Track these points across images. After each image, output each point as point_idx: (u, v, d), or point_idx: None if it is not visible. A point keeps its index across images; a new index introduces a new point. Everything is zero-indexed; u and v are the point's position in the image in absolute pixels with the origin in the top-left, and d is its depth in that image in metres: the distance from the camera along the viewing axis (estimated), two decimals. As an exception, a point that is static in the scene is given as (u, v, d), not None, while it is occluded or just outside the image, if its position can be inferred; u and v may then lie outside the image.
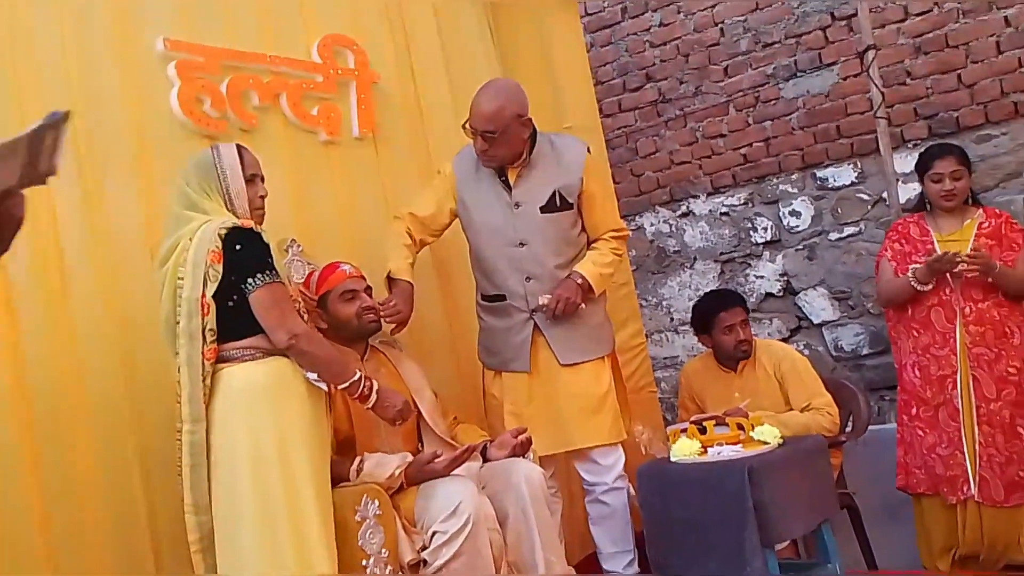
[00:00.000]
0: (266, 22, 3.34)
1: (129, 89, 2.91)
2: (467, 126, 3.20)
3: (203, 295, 2.45)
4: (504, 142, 3.17)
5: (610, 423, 3.22)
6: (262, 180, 2.71)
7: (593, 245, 3.33)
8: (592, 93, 4.41)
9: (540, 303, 3.18)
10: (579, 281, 3.21)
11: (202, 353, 2.45)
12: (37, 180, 1.35)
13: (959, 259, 3.32)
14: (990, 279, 3.35)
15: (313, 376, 2.53)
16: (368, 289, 3.05)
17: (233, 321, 2.48)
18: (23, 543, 2.43)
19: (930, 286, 3.43)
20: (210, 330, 2.46)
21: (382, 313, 3.07)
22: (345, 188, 3.47)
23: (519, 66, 4.12)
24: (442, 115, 3.82)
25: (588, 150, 3.38)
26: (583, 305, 3.20)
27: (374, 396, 2.63)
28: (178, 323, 2.47)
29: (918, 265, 3.44)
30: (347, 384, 2.59)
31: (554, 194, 3.23)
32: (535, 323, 3.23)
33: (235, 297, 2.47)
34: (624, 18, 5.52)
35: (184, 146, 3.00)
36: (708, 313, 3.81)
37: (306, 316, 2.70)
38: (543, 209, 3.23)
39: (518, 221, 3.24)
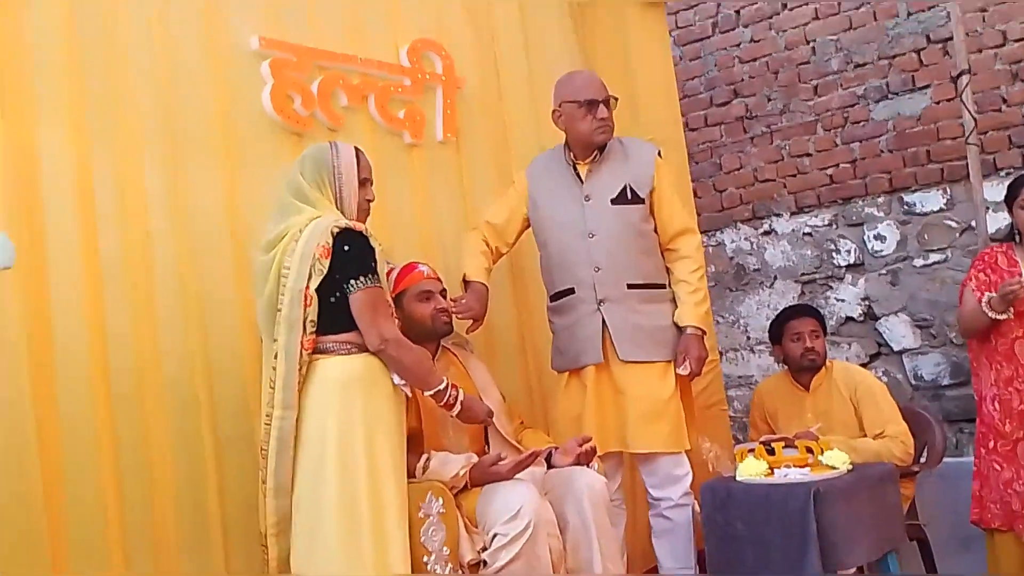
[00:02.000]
0: (357, 24, 3.42)
1: (221, 83, 3.01)
2: (578, 102, 3.28)
3: (307, 287, 2.52)
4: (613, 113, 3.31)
5: (670, 430, 3.21)
6: (371, 184, 2.78)
7: (676, 275, 3.34)
8: (676, 105, 4.40)
9: (681, 372, 3.24)
10: (698, 334, 3.29)
11: (300, 343, 2.52)
12: None
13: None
14: None
15: (399, 380, 2.58)
16: (443, 291, 3.10)
17: (333, 315, 2.55)
18: (97, 517, 2.52)
19: (1004, 316, 3.33)
20: (311, 321, 2.53)
21: (455, 310, 3.13)
22: (426, 190, 3.54)
23: (604, 75, 4.11)
24: (524, 121, 3.87)
25: (659, 153, 3.42)
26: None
27: (459, 406, 2.70)
28: (279, 311, 2.54)
29: (992, 294, 3.35)
30: (434, 391, 2.66)
31: (624, 187, 3.30)
32: (603, 317, 3.24)
33: (337, 294, 2.55)
34: (714, 32, 5.49)
35: (272, 141, 3.10)
36: (780, 322, 3.82)
37: (398, 321, 2.76)
38: (613, 201, 3.29)
39: (588, 213, 3.29)
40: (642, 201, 3.32)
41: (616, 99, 3.36)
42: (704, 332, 3.32)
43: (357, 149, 2.76)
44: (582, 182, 3.35)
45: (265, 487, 2.54)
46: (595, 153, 3.35)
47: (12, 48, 2.57)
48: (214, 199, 2.94)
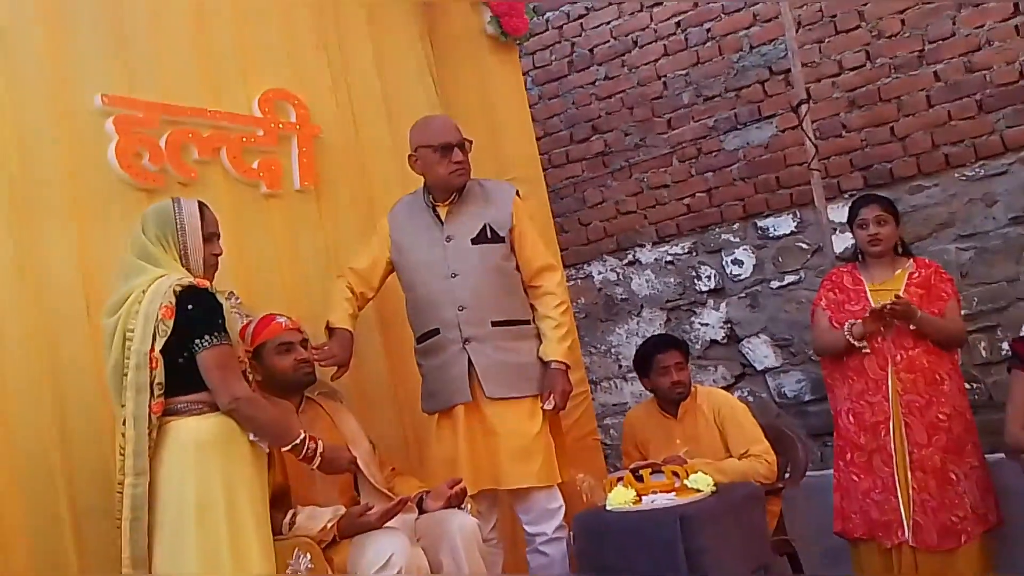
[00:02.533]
0: (207, 76, 3.39)
1: (66, 142, 2.95)
2: (432, 146, 3.33)
3: (152, 349, 2.46)
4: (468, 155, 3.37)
5: (540, 465, 3.24)
6: (218, 238, 2.74)
7: (540, 311, 3.40)
8: (534, 145, 4.49)
9: (546, 407, 3.28)
10: (562, 369, 3.34)
11: (149, 406, 2.46)
12: None
13: (885, 305, 3.40)
14: (912, 326, 3.43)
15: (255, 436, 2.54)
16: (304, 341, 3.07)
17: (182, 376, 2.50)
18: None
19: (862, 344, 3.50)
20: (158, 384, 2.47)
21: (317, 358, 3.11)
22: (286, 240, 3.51)
23: (462, 118, 4.18)
24: (384, 166, 3.87)
25: (518, 192, 3.50)
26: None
27: (319, 459, 2.67)
28: (126, 374, 2.48)
29: (855, 321, 3.51)
30: (290, 446, 2.62)
31: (484, 227, 3.35)
32: (469, 356, 3.27)
33: (185, 354, 2.50)
34: (571, 71, 5.63)
35: (121, 199, 3.04)
36: (646, 356, 3.88)
37: (250, 375, 2.72)
38: (474, 241, 3.34)
39: (450, 253, 3.34)
40: (502, 240, 3.37)
41: (471, 141, 3.41)
42: (568, 366, 3.37)
43: (201, 203, 2.72)
44: (443, 223, 3.38)
45: (123, 558, 2.46)
46: (454, 195, 3.40)
47: None
48: (65, 262, 2.87)
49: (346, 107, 3.86)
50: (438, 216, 3.40)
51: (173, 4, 3.35)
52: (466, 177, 3.39)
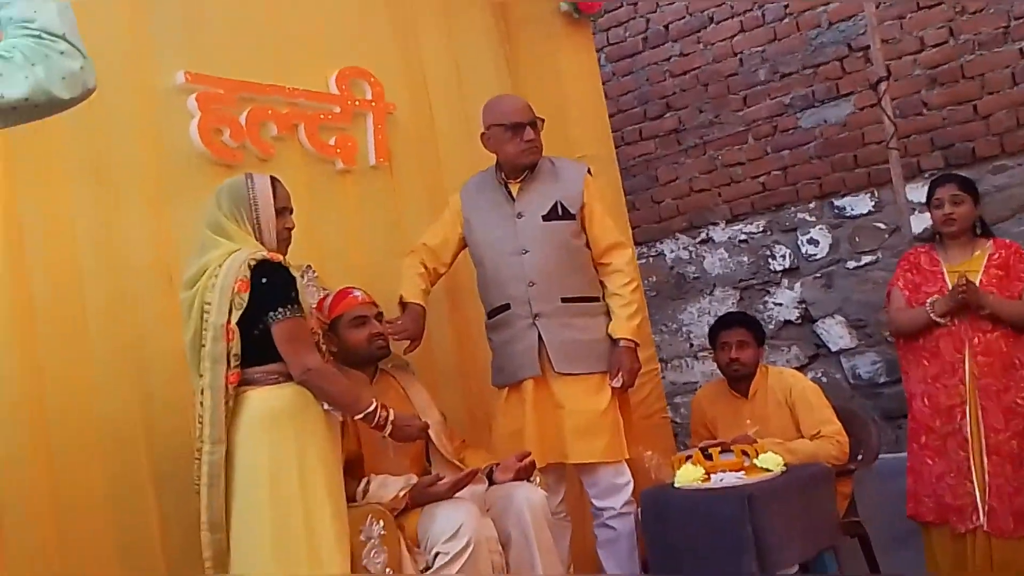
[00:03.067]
0: (285, 55, 3.44)
1: (149, 119, 3.03)
2: (504, 125, 3.36)
3: (228, 321, 2.53)
4: (540, 134, 3.38)
5: (607, 441, 3.26)
6: (291, 213, 2.80)
7: (609, 288, 3.41)
8: (606, 122, 4.47)
9: (614, 385, 3.30)
10: (631, 347, 3.35)
11: (225, 377, 2.53)
12: None
13: (957, 286, 3.35)
14: (983, 312, 3.37)
15: (328, 406, 2.61)
16: (379, 315, 3.12)
17: (257, 347, 2.57)
18: (39, 561, 2.52)
19: (944, 320, 3.44)
20: (234, 355, 2.54)
21: (390, 332, 3.16)
22: (360, 216, 3.56)
23: (535, 96, 4.18)
24: (456, 143, 3.90)
25: (589, 171, 3.50)
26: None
27: (390, 426, 2.71)
28: (203, 346, 2.55)
29: (937, 298, 3.46)
30: (362, 414, 2.67)
31: (556, 204, 3.36)
32: (538, 331, 3.30)
33: (260, 326, 2.56)
34: (644, 48, 5.61)
35: (202, 176, 3.10)
36: (713, 331, 3.89)
37: (323, 346, 2.78)
38: (545, 218, 3.35)
39: (521, 230, 3.36)
40: (573, 217, 3.38)
41: (543, 120, 3.43)
42: (637, 344, 3.38)
43: (273, 178, 2.77)
44: (514, 200, 3.41)
45: (200, 522, 2.55)
46: (526, 172, 3.42)
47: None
48: (147, 236, 2.95)
49: (420, 85, 3.90)
50: (509, 193, 3.43)
51: (253, -17, 3.42)
52: (537, 155, 3.41)
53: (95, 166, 2.86)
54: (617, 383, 3.29)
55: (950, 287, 3.44)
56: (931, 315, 3.45)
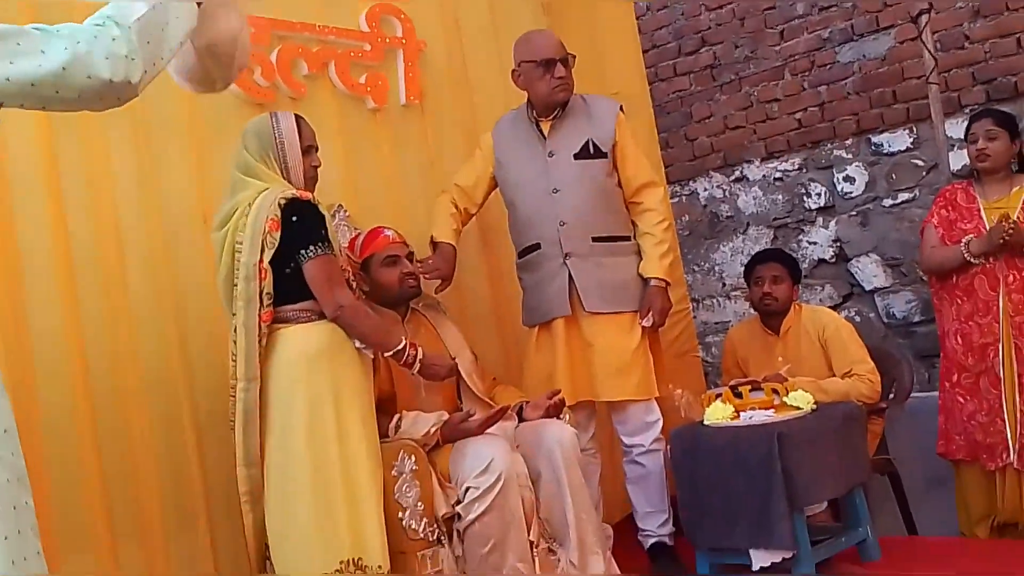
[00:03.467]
0: (315, -9, 3.43)
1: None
2: (535, 62, 3.33)
3: (261, 260, 2.57)
4: (571, 71, 3.35)
5: (638, 379, 3.28)
6: (316, 151, 2.81)
7: (641, 227, 3.40)
8: (640, 60, 4.42)
9: (644, 324, 3.30)
10: (662, 286, 3.35)
11: (259, 315, 2.58)
12: None
13: (1005, 228, 3.28)
14: None
15: (359, 343, 2.65)
16: (410, 255, 3.14)
17: (289, 286, 2.60)
18: (82, 504, 2.60)
19: (979, 261, 3.40)
20: (267, 294, 2.58)
21: (422, 271, 3.19)
22: (391, 155, 3.57)
23: (568, 33, 4.12)
24: (489, 81, 3.88)
25: (621, 108, 3.47)
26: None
27: (418, 364, 2.75)
28: (235, 286, 2.59)
29: (971, 237, 3.41)
30: (392, 352, 2.71)
31: (587, 142, 3.35)
32: (569, 271, 3.31)
33: (292, 264, 2.59)
34: (681, -19, 5.51)
35: (235, 115, 3.12)
36: (748, 266, 3.89)
37: (354, 284, 2.81)
38: (576, 156, 3.34)
39: (552, 169, 3.35)
40: (605, 156, 3.36)
41: (574, 56, 3.40)
42: (668, 284, 3.38)
43: (298, 116, 2.78)
44: (545, 139, 3.40)
45: (236, 457, 2.61)
46: (557, 110, 3.40)
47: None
48: (183, 177, 2.98)
49: (451, 22, 3.87)
50: (541, 131, 3.41)
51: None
52: (568, 93, 3.38)
53: (130, 108, 2.83)
54: (647, 322, 3.30)
55: (987, 224, 3.39)
56: (965, 255, 3.41)
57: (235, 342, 2.58)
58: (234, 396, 2.60)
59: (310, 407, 2.54)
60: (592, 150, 3.35)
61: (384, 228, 3.15)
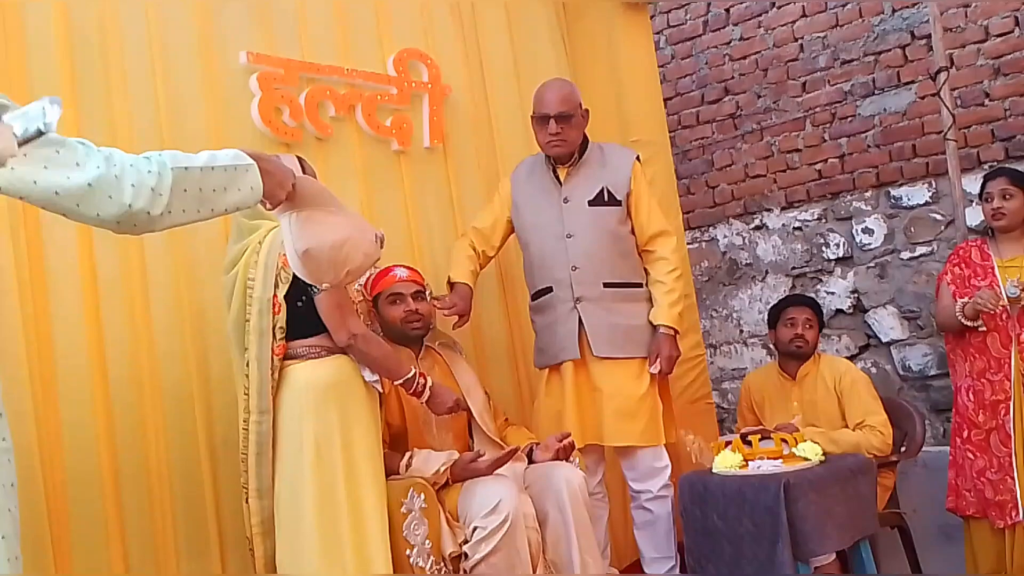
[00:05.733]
0: (343, 36, 3.53)
1: (211, 98, 3.13)
2: (535, 116, 3.41)
3: (275, 295, 2.64)
4: (575, 126, 3.40)
5: (644, 425, 3.31)
6: None
7: (653, 275, 3.45)
8: (661, 107, 4.48)
9: (652, 371, 3.34)
10: (670, 334, 3.39)
11: (272, 349, 2.65)
12: None
13: (1003, 299, 3.31)
14: None
15: (369, 376, 2.70)
16: (417, 293, 3.17)
17: (302, 320, 2.68)
18: (98, 521, 2.66)
19: (975, 324, 3.43)
20: (280, 328, 2.65)
21: (439, 306, 3.26)
22: (414, 196, 3.64)
23: (591, 80, 4.23)
24: (512, 126, 3.96)
25: (638, 158, 3.53)
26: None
27: (427, 392, 2.82)
28: (248, 321, 2.66)
29: (967, 300, 3.44)
30: (402, 380, 2.78)
31: (602, 190, 3.42)
32: (579, 315, 3.36)
33: (303, 297, 2.66)
34: (705, 31, 5.58)
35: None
36: (779, 308, 3.95)
37: (363, 317, 2.88)
38: (591, 203, 3.41)
39: (567, 215, 3.42)
40: (619, 203, 3.42)
41: (586, 110, 3.45)
42: (677, 332, 3.42)
43: (300, 158, 2.85)
44: (561, 185, 3.46)
45: (247, 490, 2.66)
46: (574, 157, 3.46)
47: (7, 63, 2.68)
48: (208, 210, 3.05)
49: (476, 68, 3.96)
50: (557, 178, 3.48)
51: (314, -35, 3.50)
52: (562, 149, 3.42)
53: (159, 141, 2.96)
54: (655, 369, 3.34)
55: (1000, 282, 3.42)
56: (959, 318, 3.44)
57: (247, 376, 2.65)
58: (246, 429, 2.66)
59: (318, 443, 2.60)
60: (607, 197, 3.42)
61: (396, 267, 3.20)
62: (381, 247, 2.20)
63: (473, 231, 3.55)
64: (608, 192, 3.40)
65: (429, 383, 2.83)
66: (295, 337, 2.67)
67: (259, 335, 2.64)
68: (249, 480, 2.65)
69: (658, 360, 3.34)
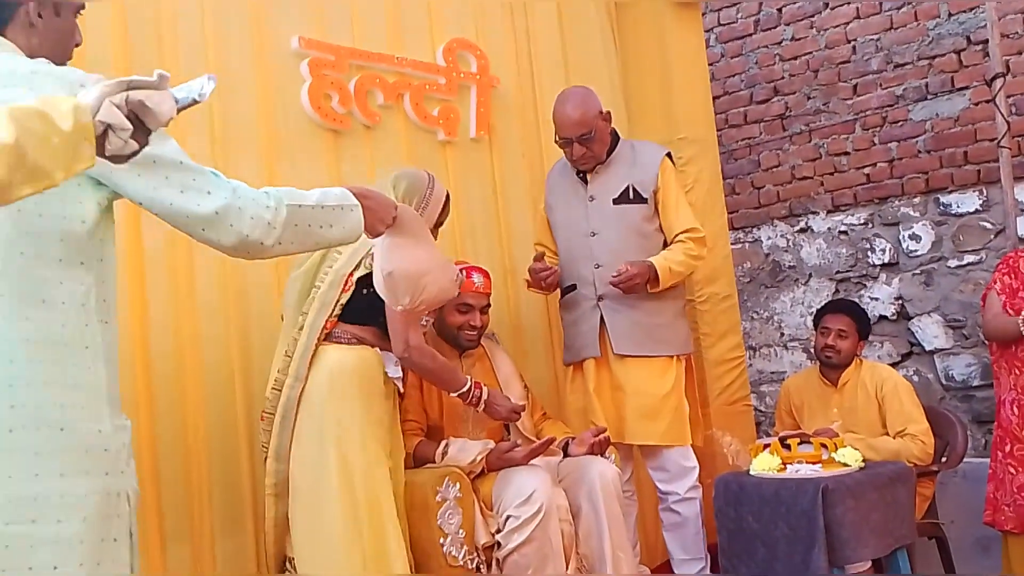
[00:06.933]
0: (394, 24, 3.54)
1: (262, 82, 3.15)
2: (558, 139, 3.39)
3: (351, 273, 2.68)
4: (597, 139, 3.35)
5: (668, 425, 3.28)
6: (440, 227, 2.91)
7: (669, 246, 3.42)
8: (709, 105, 4.45)
9: (611, 277, 3.26)
10: (652, 271, 3.29)
11: (326, 321, 2.68)
12: None
13: None
14: None
15: (393, 372, 2.74)
16: (486, 307, 3.18)
17: (358, 306, 2.70)
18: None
19: None
20: (340, 304, 2.69)
21: (538, 268, 3.32)
22: (458, 186, 3.64)
23: (640, 75, 4.22)
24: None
25: (669, 156, 3.50)
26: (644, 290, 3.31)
27: (483, 404, 2.89)
28: (316, 287, 2.70)
29: None
30: (458, 392, 2.84)
31: (627, 188, 3.39)
32: (601, 312, 3.35)
33: (370, 288, 2.67)
34: (756, 30, 5.52)
35: (308, 138, 3.24)
36: (819, 313, 3.94)
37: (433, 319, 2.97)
38: (615, 201, 3.39)
39: (591, 213, 3.41)
40: (644, 201, 3.39)
41: (608, 114, 3.41)
42: (656, 277, 3.28)
43: (448, 194, 2.89)
44: (587, 184, 3.45)
45: (267, 449, 2.70)
46: (603, 157, 3.44)
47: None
48: (254, 192, 3.08)
49: (525, 61, 3.96)
50: (584, 176, 3.47)
51: (367, -47, 3.51)
52: (589, 163, 3.41)
53: (210, 124, 3.00)
54: (615, 274, 3.25)
55: (1050, 294, 3.36)
56: (1021, 328, 3.38)
57: (295, 339, 2.68)
58: (278, 390, 2.69)
59: (339, 417, 2.62)
60: (632, 195, 3.39)
61: (474, 270, 3.19)
62: (460, 287, 2.32)
63: (536, 246, 3.55)
64: (634, 190, 3.38)
65: (484, 394, 2.89)
66: (344, 319, 2.70)
67: (322, 304, 2.68)
68: (271, 439, 2.69)
69: (627, 271, 3.23)
